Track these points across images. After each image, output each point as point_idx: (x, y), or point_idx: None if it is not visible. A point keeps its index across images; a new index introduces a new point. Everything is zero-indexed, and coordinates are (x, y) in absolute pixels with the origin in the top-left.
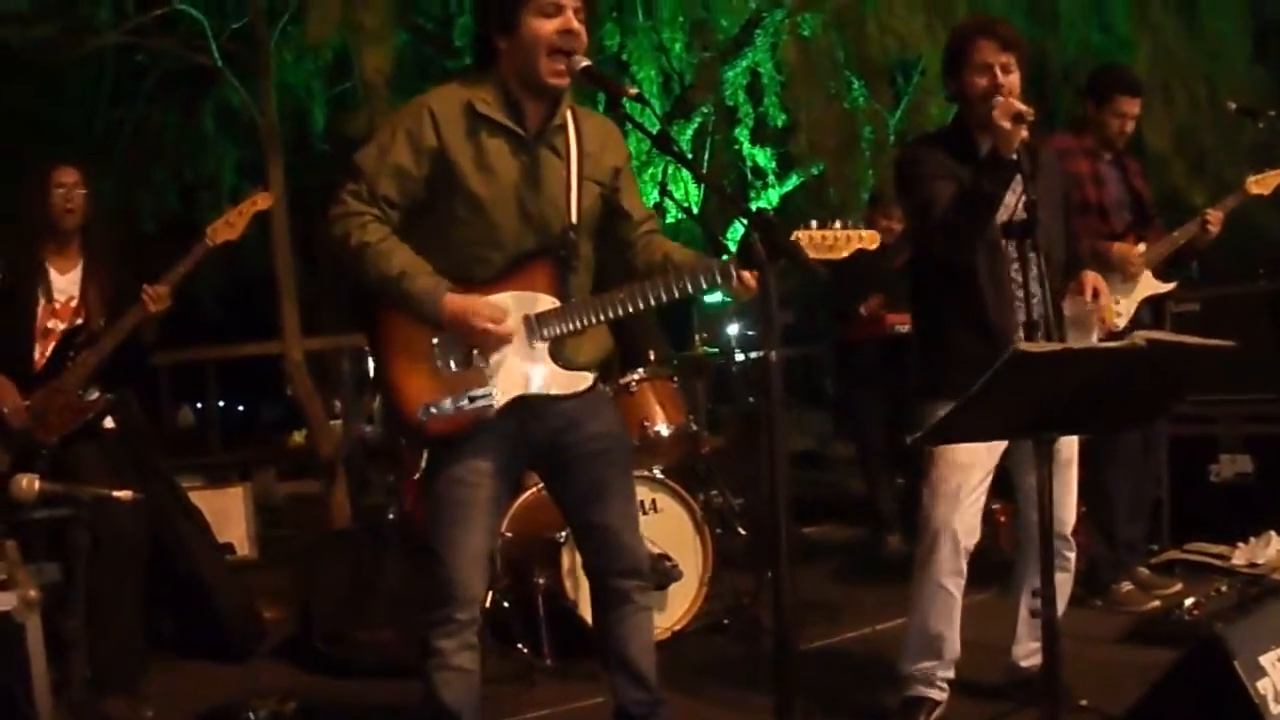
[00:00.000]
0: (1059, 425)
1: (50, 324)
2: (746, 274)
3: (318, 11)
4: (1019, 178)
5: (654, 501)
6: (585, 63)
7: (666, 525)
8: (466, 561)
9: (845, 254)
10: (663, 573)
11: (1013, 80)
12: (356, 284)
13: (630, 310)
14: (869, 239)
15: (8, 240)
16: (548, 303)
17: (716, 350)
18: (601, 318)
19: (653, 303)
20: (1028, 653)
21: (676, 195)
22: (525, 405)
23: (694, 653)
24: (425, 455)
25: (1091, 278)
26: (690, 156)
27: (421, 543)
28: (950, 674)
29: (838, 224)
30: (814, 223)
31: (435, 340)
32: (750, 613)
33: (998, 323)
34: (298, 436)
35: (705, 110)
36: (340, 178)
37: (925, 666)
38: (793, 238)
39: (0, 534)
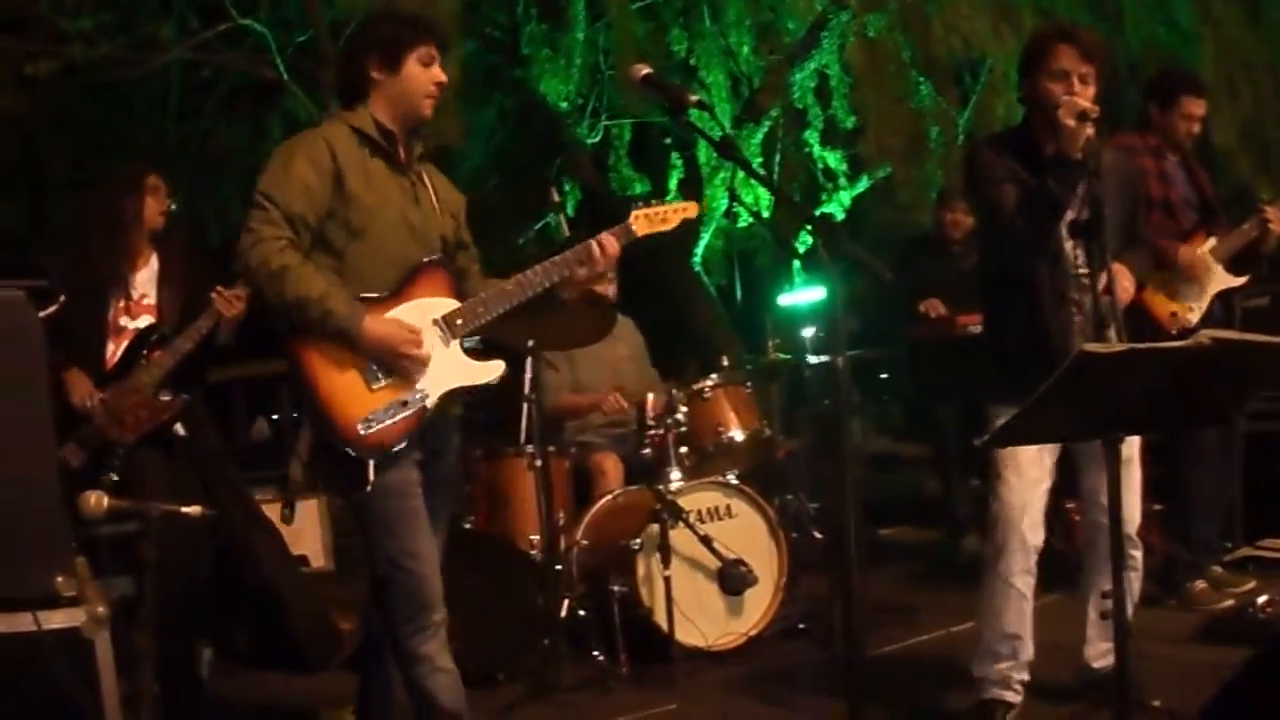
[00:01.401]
0: (1127, 426)
1: (123, 321)
2: (604, 240)
3: None
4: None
5: (729, 507)
6: (646, 70)
7: (742, 530)
8: (431, 566)
9: (674, 225)
10: (738, 578)
11: (1089, 94)
12: (271, 309)
13: (523, 297)
14: (690, 209)
15: (84, 241)
16: (450, 305)
17: (789, 355)
18: (502, 308)
19: (540, 289)
20: (1099, 653)
21: (746, 200)
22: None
23: (769, 658)
24: (357, 478)
25: (1119, 270)
26: (760, 160)
27: (385, 560)
28: (1025, 676)
29: (655, 203)
30: (642, 203)
31: (357, 358)
32: (827, 617)
33: (1054, 327)
34: None
35: (775, 114)
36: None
37: (999, 669)
38: (630, 219)
39: (75, 548)
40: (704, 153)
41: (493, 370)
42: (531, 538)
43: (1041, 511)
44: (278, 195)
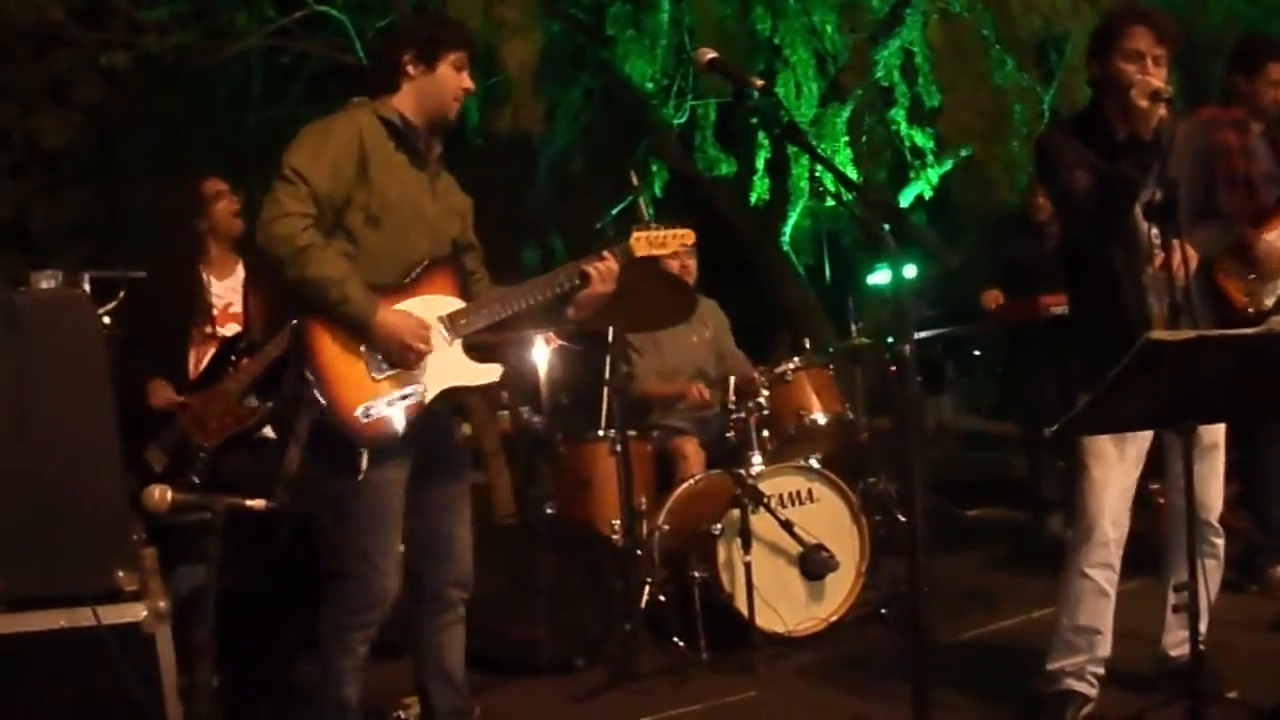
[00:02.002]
0: (1198, 414)
1: (208, 330)
2: (599, 265)
3: (456, 8)
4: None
5: (810, 491)
6: (711, 54)
7: (823, 515)
8: (394, 566)
9: (671, 250)
10: (819, 563)
11: (1161, 76)
12: (287, 285)
13: (530, 304)
14: (687, 236)
15: (163, 246)
16: (455, 304)
17: (870, 339)
18: (505, 313)
19: (546, 297)
20: (1177, 642)
21: (828, 180)
22: (431, 416)
23: (849, 643)
24: (348, 466)
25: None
26: (847, 139)
27: (356, 553)
28: (1101, 669)
29: (655, 226)
30: (650, 225)
31: (364, 346)
32: (908, 601)
33: (1133, 311)
34: (466, 428)
35: (860, 92)
36: (276, 181)
37: (1074, 661)
38: (631, 239)
39: (141, 541)
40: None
41: (491, 373)
42: (613, 522)
43: (1126, 504)
44: (309, 173)
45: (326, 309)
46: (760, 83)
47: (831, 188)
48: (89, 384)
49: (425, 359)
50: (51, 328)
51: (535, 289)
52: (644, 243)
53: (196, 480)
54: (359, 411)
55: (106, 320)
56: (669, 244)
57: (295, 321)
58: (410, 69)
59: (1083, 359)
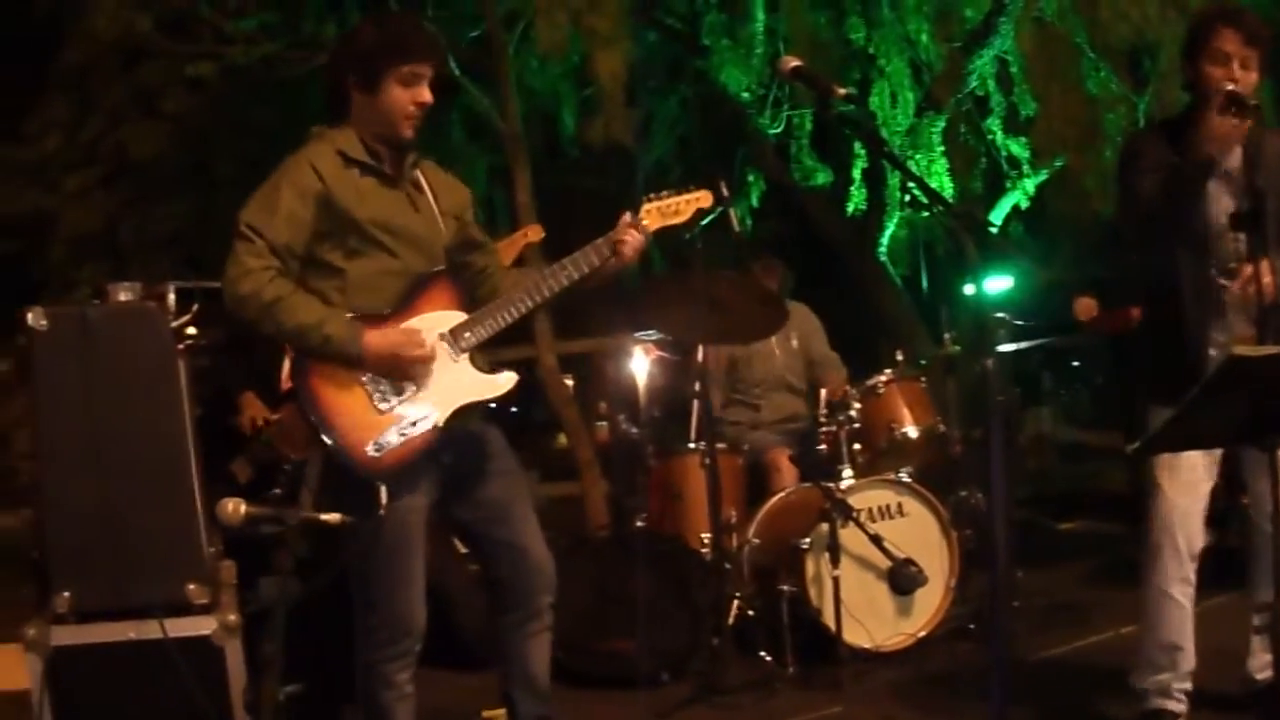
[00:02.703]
0: None
1: None
2: (626, 234)
3: (546, 19)
4: (1238, 168)
5: (900, 505)
6: (795, 63)
7: (913, 529)
8: (418, 594)
9: (688, 217)
10: (908, 578)
11: (1250, 80)
12: (268, 339)
13: (532, 306)
14: (704, 199)
15: None
16: (456, 318)
17: (960, 349)
18: (509, 318)
19: (551, 295)
20: (1262, 665)
21: (914, 193)
22: (450, 435)
23: (937, 660)
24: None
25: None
26: (943, 150)
27: (381, 580)
28: (1187, 685)
29: (668, 194)
30: (653, 195)
31: (365, 379)
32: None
33: (1195, 327)
34: (562, 439)
35: (957, 100)
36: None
37: (1159, 680)
38: (641, 213)
39: (218, 554)
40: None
41: (504, 384)
42: (703, 536)
43: (1201, 517)
44: (263, 227)
45: (314, 353)
46: (843, 91)
47: (921, 198)
48: (163, 397)
49: (430, 380)
50: (124, 340)
51: (545, 286)
52: (656, 214)
53: (279, 492)
54: (370, 448)
55: (192, 331)
56: (683, 210)
57: (292, 370)
58: (354, 92)
59: (1153, 373)
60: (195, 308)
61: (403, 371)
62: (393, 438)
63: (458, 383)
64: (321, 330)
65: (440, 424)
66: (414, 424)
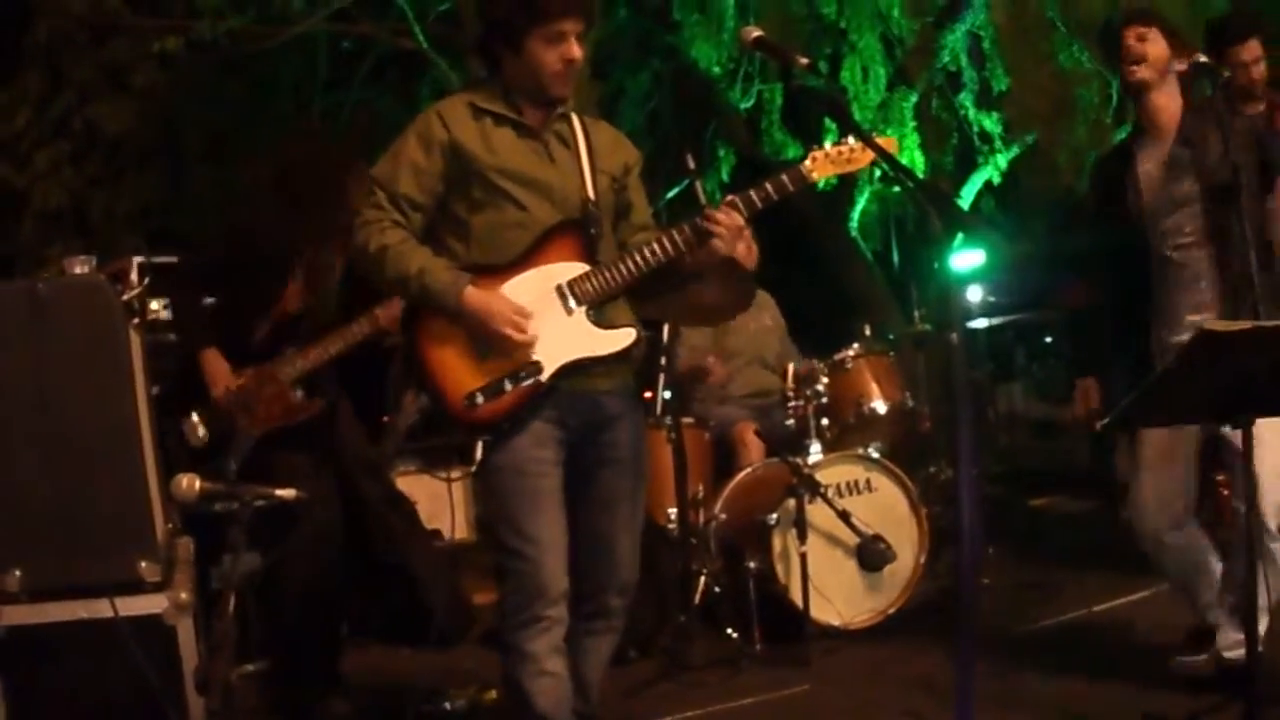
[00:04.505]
0: (1256, 407)
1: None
2: (718, 216)
3: None
4: (1212, 141)
5: (869, 481)
6: (756, 33)
7: (881, 505)
8: (550, 553)
9: (865, 163)
10: (877, 554)
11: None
12: (382, 290)
13: (654, 261)
14: (887, 143)
15: (285, 209)
16: (577, 269)
17: (932, 326)
18: (629, 273)
19: (670, 254)
20: (1232, 643)
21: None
22: (565, 395)
23: (906, 637)
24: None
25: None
26: (915, 125)
27: (498, 542)
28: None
29: (849, 140)
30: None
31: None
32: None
33: (1159, 297)
34: None
35: (929, 76)
36: None
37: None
38: (807, 161)
39: (174, 531)
40: (858, 115)
41: (621, 339)
42: (669, 511)
43: (1176, 494)
44: (384, 178)
45: (415, 302)
46: (805, 61)
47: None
48: (113, 372)
49: (542, 334)
50: (74, 316)
51: (663, 249)
52: (824, 161)
53: (234, 466)
54: (465, 400)
55: (156, 305)
56: (857, 159)
57: (404, 320)
58: (501, 52)
59: (1114, 347)
60: (146, 281)
61: (495, 343)
62: (490, 391)
63: (571, 337)
64: (420, 280)
65: (544, 379)
66: (516, 376)
